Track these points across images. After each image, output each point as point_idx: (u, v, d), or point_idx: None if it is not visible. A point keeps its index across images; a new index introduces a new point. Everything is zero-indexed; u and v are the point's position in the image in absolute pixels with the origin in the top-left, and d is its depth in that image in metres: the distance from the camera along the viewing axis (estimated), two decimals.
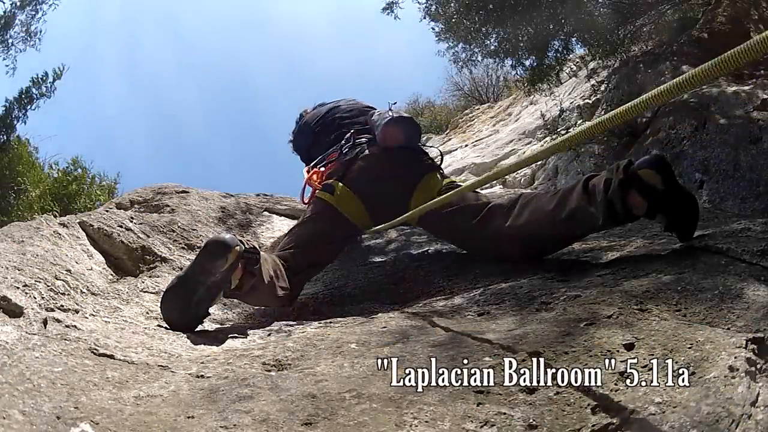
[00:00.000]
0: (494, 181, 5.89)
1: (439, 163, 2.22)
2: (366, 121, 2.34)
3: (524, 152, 6.26)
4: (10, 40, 6.45)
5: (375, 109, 2.41)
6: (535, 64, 4.95)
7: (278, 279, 1.69)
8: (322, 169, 2.22)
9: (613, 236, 2.02)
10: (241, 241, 1.52)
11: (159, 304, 1.49)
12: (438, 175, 2.11)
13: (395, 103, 2.26)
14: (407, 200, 2.03)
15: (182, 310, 1.44)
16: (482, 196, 2.01)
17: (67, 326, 1.21)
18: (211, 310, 1.54)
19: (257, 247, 1.63)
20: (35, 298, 1.31)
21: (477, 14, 4.63)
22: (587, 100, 5.43)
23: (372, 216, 2.05)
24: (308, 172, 2.28)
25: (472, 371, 0.96)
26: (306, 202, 2.23)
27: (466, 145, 7.99)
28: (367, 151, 2.13)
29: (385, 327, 1.31)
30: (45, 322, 1.19)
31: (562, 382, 0.90)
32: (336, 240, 2.05)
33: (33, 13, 6.58)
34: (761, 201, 2.81)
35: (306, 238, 1.96)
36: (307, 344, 1.23)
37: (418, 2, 5.04)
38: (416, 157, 2.15)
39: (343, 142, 2.23)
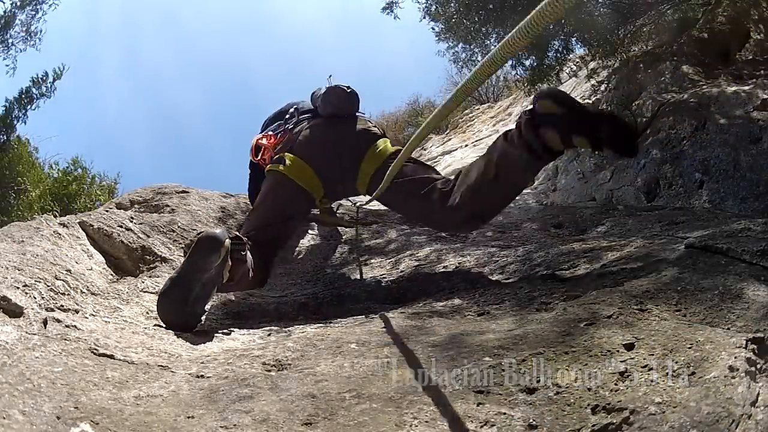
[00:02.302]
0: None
1: (382, 132, 2.27)
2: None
3: None
4: (10, 40, 6.45)
5: None
6: (535, 64, 4.94)
7: (253, 263, 1.72)
8: (266, 142, 2.33)
9: (613, 236, 2.02)
10: (228, 231, 1.55)
11: (155, 305, 1.49)
12: (385, 144, 2.16)
13: (331, 76, 2.40)
14: (356, 168, 2.11)
15: (180, 310, 1.43)
16: (435, 172, 2.08)
17: (67, 326, 1.21)
18: (210, 310, 1.54)
19: (239, 234, 1.64)
20: (35, 298, 1.31)
21: (477, 14, 4.62)
22: (587, 100, 5.42)
23: (324, 183, 2.11)
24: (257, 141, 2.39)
25: (472, 371, 0.96)
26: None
27: (466, 145, 7.99)
28: (311, 122, 2.26)
29: (385, 327, 1.32)
30: (45, 322, 1.19)
31: (562, 382, 0.90)
32: (293, 212, 2.11)
33: (33, 13, 6.58)
34: (761, 201, 2.81)
35: (264, 216, 2.01)
36: (307, 344, 1.23)
37: (418, 2, 5.04)
38: (361, 126, 2.23)
39: (287, 116, 2.38)
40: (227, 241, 1.48)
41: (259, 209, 2.09)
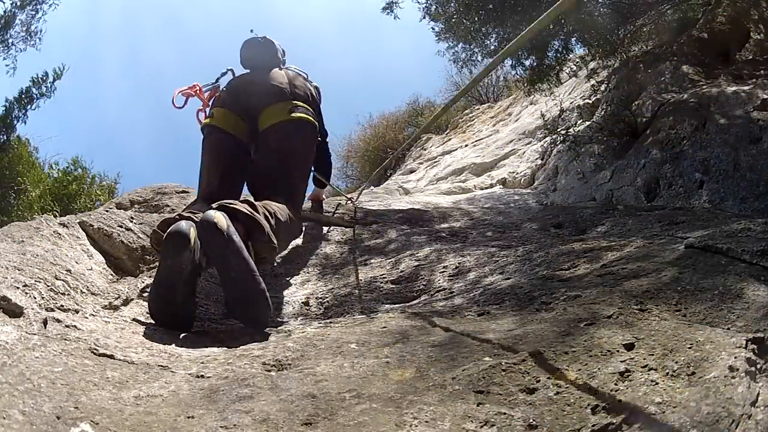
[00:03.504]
0: (495, 182, 5.89)
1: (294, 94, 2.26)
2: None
3: (524, 152, 6.26)
4: (10, 40, 6.45)
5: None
6: (535, 64, 4.95)
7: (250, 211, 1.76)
8: (191, 91, 2.35)
9: (613, 236, 2.02)
10: (192, 217, 1.58)
11: (149, 312, 1.49)
12: (288, 105, 2.17)
13: (252, 30, 2.49)
14: (257, 120, 2.17)
15: (174, 314, 1.44)
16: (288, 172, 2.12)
17: (67, 326, 1.21)
18: (210, 310, 1.54)
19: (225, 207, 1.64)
20: (35, 298, 1.31)
21: (477, 14, 4.62)
22: (587, 100, 5.43)
23: (248, 125, 2.19)
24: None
25: (472, 371, 0.96)
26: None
27: (466, 145, 7.99)
28: (234, 78, 2.38)
29: (385, 327, 1.31)
30: (45, 322, 1.19)
31: (562, 382, 0.90)
32: (232, 157, 2.16)
33: (33, 12, 6.58)
34: (761, 201, 2.81)
35: (211, 179, 2.09)
36: (307, 344, 1.23)
37: (418, 2, 5.04)
38: (279, 80, 2.27)
39: (219, 75, 2.44)
40: (193, 230, 1.47)
41: (204, 167, 2.16)
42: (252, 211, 1.63)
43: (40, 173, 6.77)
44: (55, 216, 2.52)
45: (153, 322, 1.48)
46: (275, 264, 2.36)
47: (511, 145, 6.76)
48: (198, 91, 2.34)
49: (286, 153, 2.10)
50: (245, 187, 2.27)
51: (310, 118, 2.22)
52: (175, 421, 0.84)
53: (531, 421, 0.81)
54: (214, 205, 1.60)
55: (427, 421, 0.82)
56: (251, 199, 1.96)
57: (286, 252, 2.47)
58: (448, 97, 13.57)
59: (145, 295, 1.75)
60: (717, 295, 1.18)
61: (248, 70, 2.43)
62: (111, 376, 0.99)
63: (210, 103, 2.34)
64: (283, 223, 1.84)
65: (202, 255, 1.50)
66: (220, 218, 1.46)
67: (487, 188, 5.75)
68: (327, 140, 2.73)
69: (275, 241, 1.67)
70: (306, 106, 2.23)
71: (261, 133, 2.16)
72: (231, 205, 1.58)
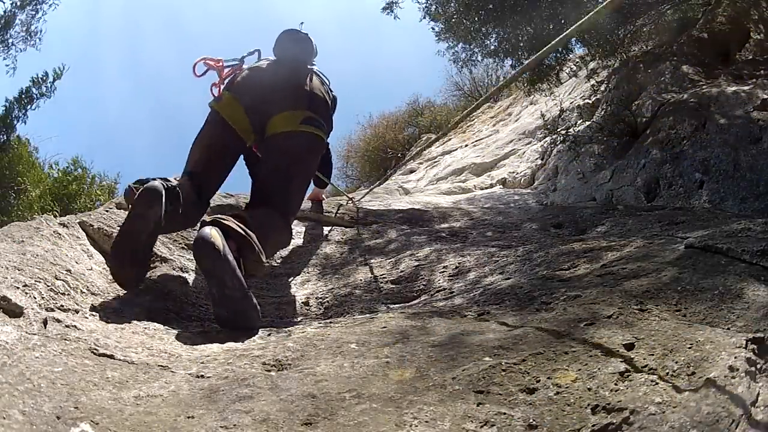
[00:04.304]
0: (495, 182, 5.89)
1: (325, 102, 2.23)
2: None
3: (524, 152, 6.26)
4: (10, 40, 6.45)
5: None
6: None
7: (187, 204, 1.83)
8: (213, 63, 2.21)
9: (613, 236, 2.02)
10: (168, 179, 1.73)
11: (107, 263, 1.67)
12: (301, 115, 2.10)
13: (303, 23, 2.41)
14: (266, 122, 2.10)
15: (131, 264, 1.62)
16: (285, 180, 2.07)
17: (67, 326, 1.21)
18: (212, 310, 1.54)
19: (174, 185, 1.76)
20: (35, 298, 1.31)
21: (477, 14, 4.62)
22: (587, 100, 5.43)
23: (252, 124, 2.10)
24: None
25: (472, 371, 0.96)
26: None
27: (466, 145, 7.98)
28: (259, 63, 2.26)
29: (385, 327, 1.31)
30: (45, 322, 1.19)
31: (562, 382, 0.90)
32: (223, 150, 2.12)
33: (33, 12, 6.58)
34: (761, 201, 2.81)
35: (201, 154, 2.06)
36: (307, 344, 1.23)
37: (418, 2, 5.04)
38: (300, 83, 2.19)
39: (245, 54, 2.28)
40: (163, 190, 1.63)
41: (196, 145, 2.11)
42: (244, 228, 1.67)
43: (40, 173, 6.77)
44: (55, 216, 2.52)
45: (156, 320, 1.48)
46: (275, 264, 2.36)
47: (511, 145, 6.76)
48: (220, 67, 2.21)
49: (289, 162, 2.08)
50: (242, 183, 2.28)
51: (320, 133, 2.17)
52: (175, 421, 0.84)
53: (531, 421, 0.81)
54: (207, 219, 1.66)
55: (427, 421, 0.82)
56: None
57: (286, 252, 2.47)
58: (448, 97, 13.58)
59: (146, 294, 1.75)
60: (717, 295, 1.18)
61: (275, 58, 2.34)
62: (111, 376, 0.99)
63: (225, 81, 2.20)
64: (272, 239, 1.88)
65: (167, 218, 1.66)
66: (216, 236, 1.52)
67: (487, 188, 5.74)
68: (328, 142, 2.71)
69: (264, 260, 1.73)
70: (319, 118, 2.17)
71: (269, 136, 2.12)
72: (224, 222, 1.63)
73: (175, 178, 1.92)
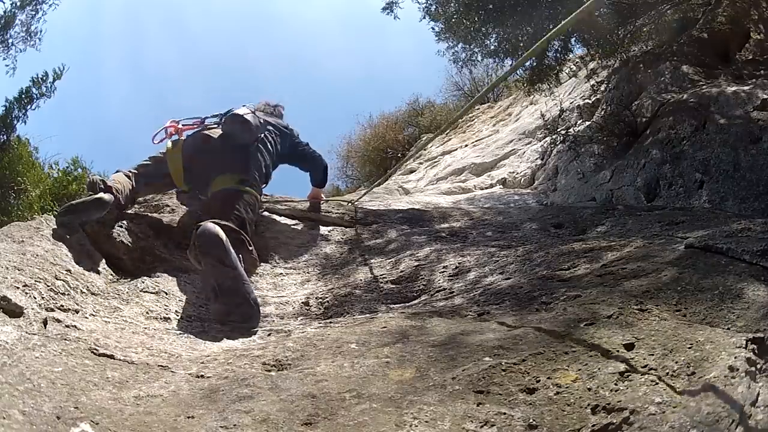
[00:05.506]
0: (495, 182, 5.89)
1: (257, 178, 2.49)
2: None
3: (524, 152, 6.26)
4: (10, 40, 6.44)
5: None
6: (534, 64, 4.94)
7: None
8: (187, 124, 2.61)
9: (613, 236, 2.02)
10: (102, 184, 2.01)
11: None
12: (238, 177, 2.36)
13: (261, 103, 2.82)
14: (209, 182, 2.36)
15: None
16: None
17: (67, 326, 1.21)
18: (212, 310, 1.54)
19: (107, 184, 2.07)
20: (35, 298, 1.31)
21: (477, 14, 4.62)
22: (587, 100, 5.42)
23: (187, 179, 2.44)
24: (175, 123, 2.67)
25: (472, 371, 0.96)
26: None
27: (466, 145, 7.98)
28: (210, 127, 2.56)
29: (385, 327, 1.31)
30: (45, 322, 1.19)
31: (562, 382, 0.90)
32: (160, 184, 2.49)
33: (33, 12, 6.57)
34: (761, 201, 2.81)
35: (147, 174, 2.41)
36: (307, 344, 1.23)
37: (418, 2, 5.04)
38: (237, 154, 2.47)
39: (210, 115, 2.65)
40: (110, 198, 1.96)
41: (150, 164, 2.46)
42: (235, 228, 1.89)
43: (40, 173, 6.76)
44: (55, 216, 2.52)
45: (161, 317, 1.49)
46: (275, 263, 2.36)
47: (511, 145, 6.76)
48: (178, 129, 2.55)
49: (231, 200, 2.25)
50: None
51: (254, 192, 2.41)
52: (175, 421, 0.84)
53: (531, 421, 0.81)
54: (201, 222, 1.84)
55: (427, 421, 0.82)
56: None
57: (286, 252, 2.47)
58: (448, 97, 13.57)
59: (145, 294, 1.75)
60: (717, 295, 1.17)
61: (222, 132, 2.54)
62: (111, 376, 0.99)
63: (183, 134, 2.55)
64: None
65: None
66: (219, 230, 1.71)
67: (487, 188, 5.74)
68: (308, 145, 2.97)
69: (256, 255, 1.90)
70: (250, 178, 2.41)
71: (212, 193, 2.34)
72: (219, 222, 1.81)
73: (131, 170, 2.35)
